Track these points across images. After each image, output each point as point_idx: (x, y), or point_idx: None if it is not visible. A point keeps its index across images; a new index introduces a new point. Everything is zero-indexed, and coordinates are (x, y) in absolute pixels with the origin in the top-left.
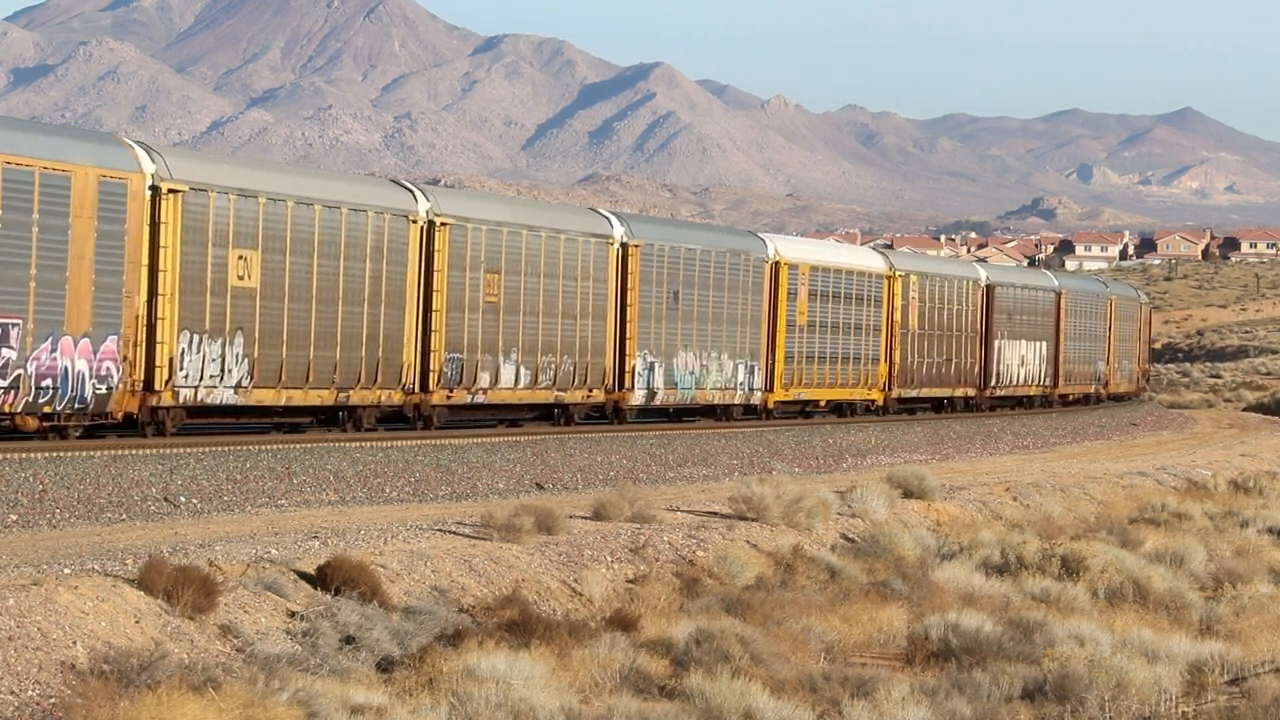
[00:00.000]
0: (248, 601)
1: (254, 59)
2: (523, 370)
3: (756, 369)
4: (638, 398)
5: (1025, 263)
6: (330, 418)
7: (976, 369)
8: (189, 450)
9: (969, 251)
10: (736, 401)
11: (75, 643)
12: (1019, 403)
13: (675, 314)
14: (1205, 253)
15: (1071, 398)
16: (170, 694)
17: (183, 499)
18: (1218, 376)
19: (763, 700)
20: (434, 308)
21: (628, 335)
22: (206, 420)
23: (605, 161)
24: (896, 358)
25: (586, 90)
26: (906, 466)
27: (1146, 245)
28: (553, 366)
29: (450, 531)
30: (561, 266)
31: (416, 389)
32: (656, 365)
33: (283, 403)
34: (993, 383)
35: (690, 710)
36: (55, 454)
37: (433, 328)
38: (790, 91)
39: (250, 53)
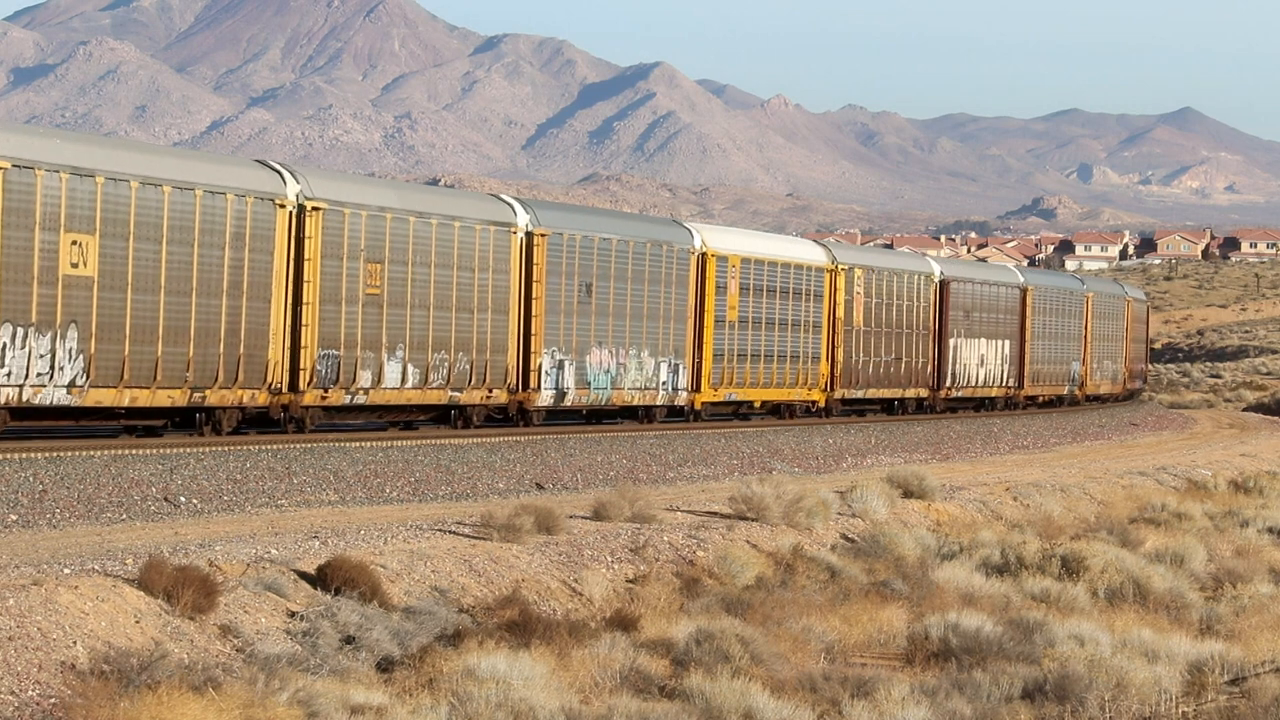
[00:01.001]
0: (248, 601)
1: (254, 59)
2: (411, 369)
3: (682, 368)
4: (545, 398)
5: (1026, 263)
6: (187, 420)
7: (929, 369)
8: (189, 450)
9: (969, 251)
10: (659, 402)
11: (75, 643)
12: (980, 405)
13: (588, 308)
14: (1205, 253)
15: (1043, 399)
16: (170, 694)
17: (183, 499)
18: (1218, 376)
19: (763, 700)
20: (305, 300)
21: (533, 331)
22: (39, 424)
23: (605, 161)
24: (840, 356)
25: (586, 90)
26: (906, 466)
27: (1146, 245)
28: (446, 365)
29: (450, 531)
30: (456, 256)
31: (285, 389)
32: (567, 363)
33: (126, 404)
34: (948, 383)
35: (690, 710)
36: (55, 454)
37: (303, 321)
38: (790, 91)
39: (250, 53)
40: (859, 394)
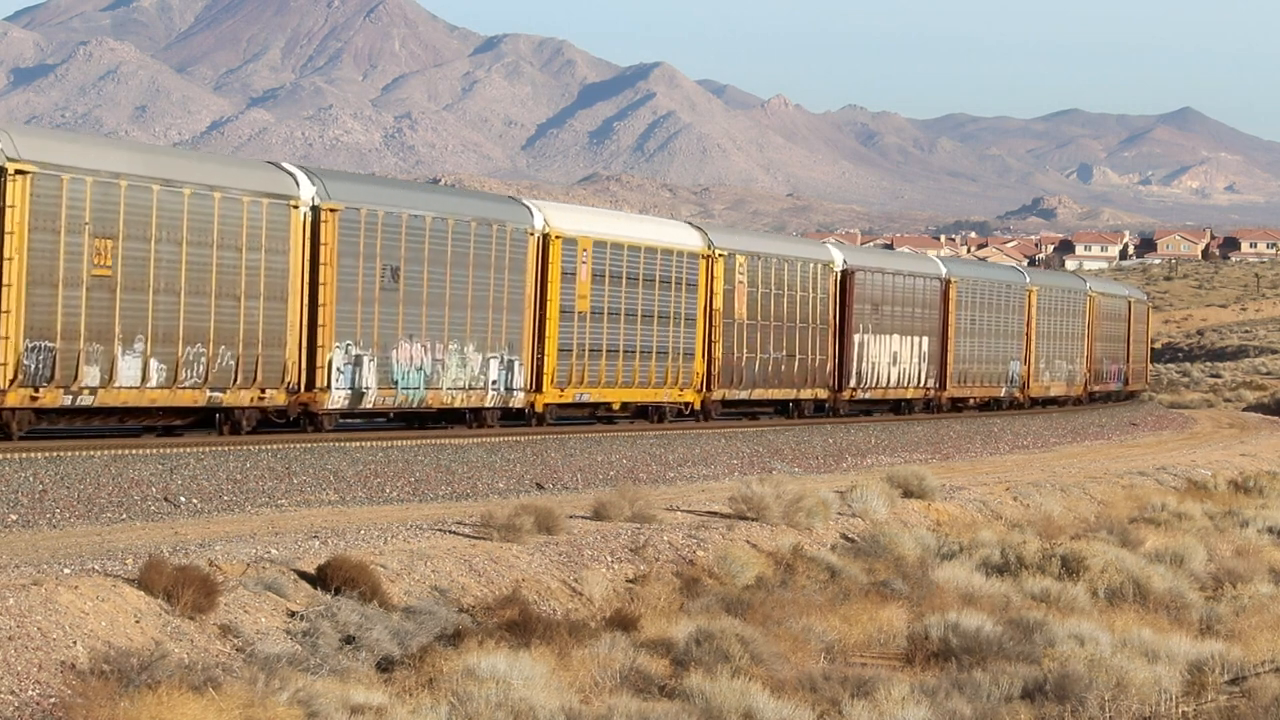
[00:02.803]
0: (248, 601)
1: (254, 59)
2: (155, 365)
3: (518, 365)
4: (336, 400)
5: (1025, 262)
6: None
7: (829, 367)
8: (189, 450)
9: (969, 251)
10: (489, 404)
11: (75, 642)
12: (894, 407)
13: (395, 296)
14: (1205, 253)
15: (974, 401)
16: (170, 694)
17: (183, 499)
18: (1218, 376)
19: (763, 700)
20: (4, 281)
21: (320, 322)
22: None
23: (605, 161)
24: (718, 353)
25: (586, 90)
26: (906, 466)
27: (1146, 245)
28: (203, 360)
29: (450, 531)
30: (216, 233)
31: None
32: (366, 359)
33: None
34: (851, 383)
35: (690, 710)
36: (55, 454)
37: (2, 307)
38: (790, 91)
39: (250, 53)
40: (742, 394)
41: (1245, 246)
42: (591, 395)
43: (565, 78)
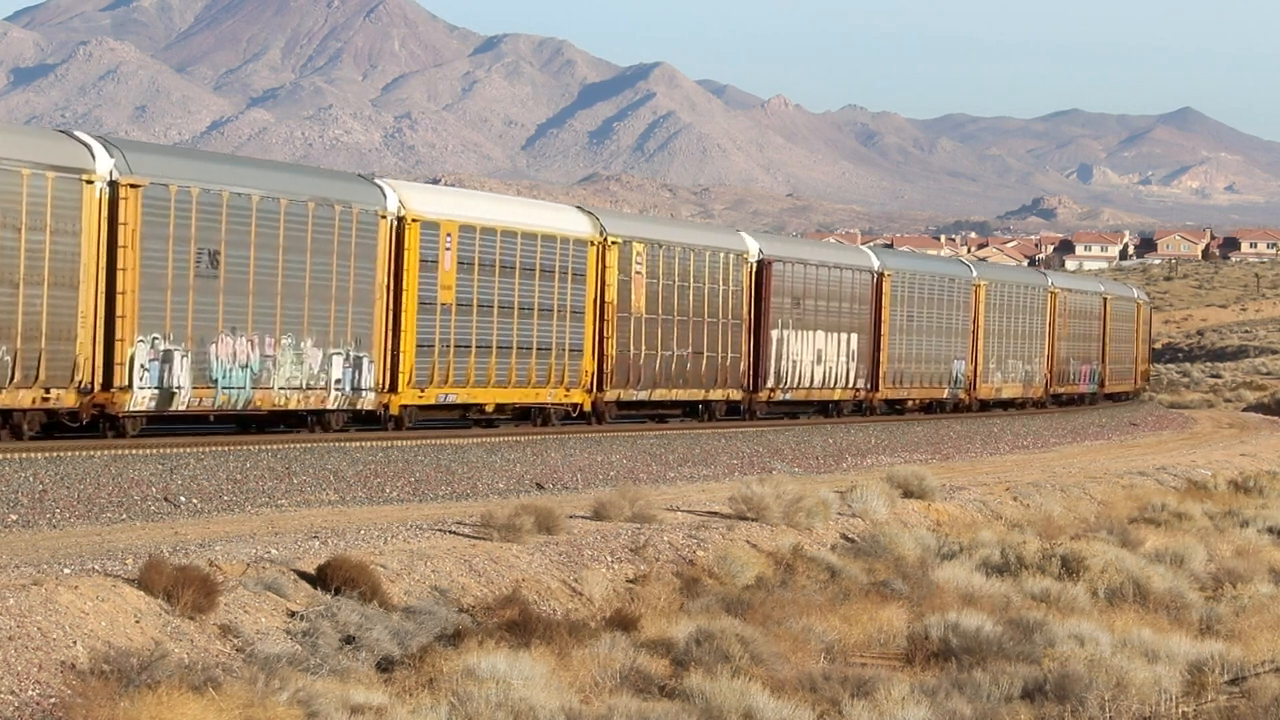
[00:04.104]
0: (248, 601)
1: (254, 59)
2: None
3: (367, 362)
4: (141, 400)
5: (1025, 263)
6: None
7: (743, 365)
8: (189, 450)
9: (969, 251)
10: (332, 406)
11: (75, 642)
12: (820, 409)
13: (214, 284)
14: (1205, 253)
15: (912, 404)
16: (170, 694)
17: (183, 499)
18: (1218, 376)
19: (763, 700)
20: None
21: (119, 312)
22: None
23: (605, 161)
24: (611, 349)
25: (586, 90)
26: (906, 466)
27: (1147, 245)
28: None
29: (450, 531)
30: None
31: None
32: (178, 355)
33: None
34: (769, 383)
35: (690, 710)
36: (55, 454)
37: None
38: (790, 91)
39: (250, 53)
40: (640, 395)
41: (1245, 246)
42: (459, 396)
43: (565, 78)
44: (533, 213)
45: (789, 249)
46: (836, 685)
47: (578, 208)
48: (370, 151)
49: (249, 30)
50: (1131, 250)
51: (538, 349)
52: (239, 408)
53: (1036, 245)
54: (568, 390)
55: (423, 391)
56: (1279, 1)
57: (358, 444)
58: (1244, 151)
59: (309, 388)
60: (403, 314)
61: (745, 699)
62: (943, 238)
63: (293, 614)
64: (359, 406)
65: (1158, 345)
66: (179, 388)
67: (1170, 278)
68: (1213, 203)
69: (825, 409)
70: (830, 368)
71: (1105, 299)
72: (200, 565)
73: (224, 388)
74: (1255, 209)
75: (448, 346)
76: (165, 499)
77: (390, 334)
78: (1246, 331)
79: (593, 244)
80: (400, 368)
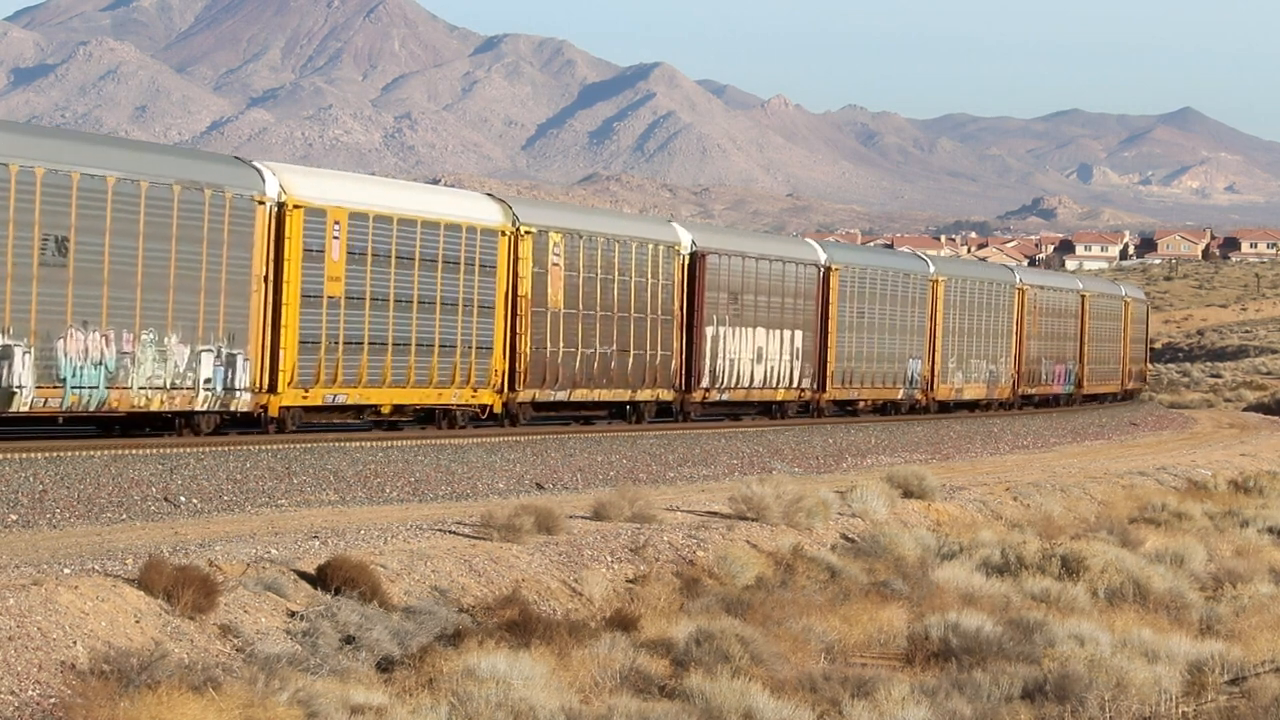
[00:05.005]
0: (248, 601)
1: (254, 59)
2: None
3: (241, 360)
4: None
5: (1025, 262)
6: None
7: (675, 364)
8: (189, 450)
9: (969, 251)
10: (201, 407)
11: (75, 643)
12: (764, 410)
13: (61, 274)
14: (1205, 253)
15: (863, 404)
16: (170, 694)
17: (183, 499)
18: (1218, 376)
19: (763, 700)
20: None
21: None
22: None
23: (605, 161)
24: (525, 347)
25: (586, 90)
26: (906, 466)
27: (1147, 245)
28: None
29: (450, 531)
30: None
31: None
32: (19, 351)
33: None
34: (704, 383)
35: (690, 710)
36: (55, 454)
37: None
38: (790, 91)
39: (250, 53)
40: (559, 396)
41: (1245, 246)
42: (349, 397)
43: (565, 78)
44: (435, 200)
45: (726, 241)
46: (836, 685)
47: (488, 195)
48: (370, 152)
49: (249, 30)
50: (1132, 250)
51: (441, 346)
52: (92, 409)
53: (1036, 245)
54: (475, 390)
55: (307, 392)
56: (1279, 2)
57: (358, 444)
58: (1244, 151)
59: (174, 387)
60: (284, 308)
61: (745, 699)
62: (943, 238)
63: (293, 614)
64: (233, 408)
65: (1158, 345)
66: (19, 387)
67: (1170, 278)
68: (1213, 203)
69: (768, 410)
70: (772, 367)
71: (1083, 296)
72: (200, 565)
73: (74, 387)
74: (1255, 209)
75: (336, 343)
76: (165, 499)
77: (269, 329)
78: (1246, 331)
79: (504, 234)
80: (281, 366)
